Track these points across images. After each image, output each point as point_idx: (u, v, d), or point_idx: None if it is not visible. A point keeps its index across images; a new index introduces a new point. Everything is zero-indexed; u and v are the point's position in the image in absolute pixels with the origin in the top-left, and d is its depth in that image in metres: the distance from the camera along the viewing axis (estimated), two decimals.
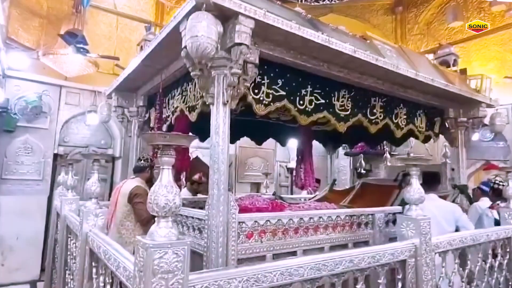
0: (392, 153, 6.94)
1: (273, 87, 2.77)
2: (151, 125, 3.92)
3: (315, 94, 3.05)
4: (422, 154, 6.95)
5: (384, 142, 6.68)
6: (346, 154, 8.54)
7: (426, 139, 4.26)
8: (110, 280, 1.70)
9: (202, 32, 1.99)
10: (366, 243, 3.13)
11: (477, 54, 6.94)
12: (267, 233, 2.50)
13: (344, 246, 2.97)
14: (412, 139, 5.17)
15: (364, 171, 5.66)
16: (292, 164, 8.99)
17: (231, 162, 8.19)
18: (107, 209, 2.31)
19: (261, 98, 2.69)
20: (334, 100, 3.21)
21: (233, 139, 5.19)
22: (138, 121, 4.25)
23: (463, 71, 4.66)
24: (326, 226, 2.87)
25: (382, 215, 3.26)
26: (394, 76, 3.32)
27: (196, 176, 5.29)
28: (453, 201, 4.15)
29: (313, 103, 3.04)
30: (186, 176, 5.32)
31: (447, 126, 4.46)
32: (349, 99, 3.32)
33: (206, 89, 2.37)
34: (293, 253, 2.63)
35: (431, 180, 3.32)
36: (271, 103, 2.75)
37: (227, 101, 2.33)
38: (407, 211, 2.14)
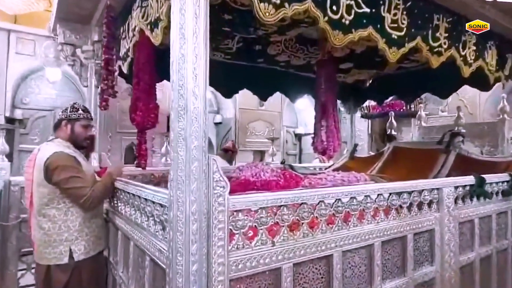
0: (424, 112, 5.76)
1: None
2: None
3: None
4: (460, 112, 5.80)
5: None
6: (363, 116, 7.35)
7: (493, 83, 3.07)
8: None
9: None
10: (430, 233, 2.05)
11: None
12: (282, 227, 1.40)
13: (401, 240, 1.89)
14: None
15: (395, 133, 4.52)
16: (301, 130, 7.88)
17: (230, 127, 7.05)
18: None
19: None
20: (384, 11, 2.02)
21: (230, 91, 4.01)
22: (95, 64, 3.07)
23: None
24: (376, 210, 1.77)
25: (451, 190, 2.16)
26: None
27: (228, 144, 5.02)
28: None
29: (353, 12, 1.86)
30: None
31: None
32: (404, 12, 2.13)
33: None
34: (327, 259, 1.55)
35: None
36: (285, 4, 1.58)
37: None
38: None
